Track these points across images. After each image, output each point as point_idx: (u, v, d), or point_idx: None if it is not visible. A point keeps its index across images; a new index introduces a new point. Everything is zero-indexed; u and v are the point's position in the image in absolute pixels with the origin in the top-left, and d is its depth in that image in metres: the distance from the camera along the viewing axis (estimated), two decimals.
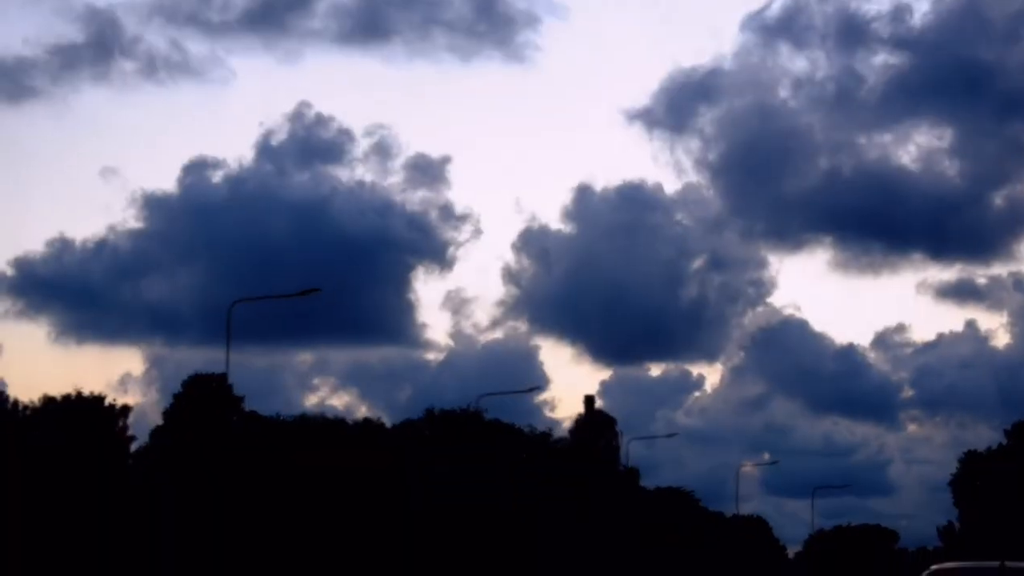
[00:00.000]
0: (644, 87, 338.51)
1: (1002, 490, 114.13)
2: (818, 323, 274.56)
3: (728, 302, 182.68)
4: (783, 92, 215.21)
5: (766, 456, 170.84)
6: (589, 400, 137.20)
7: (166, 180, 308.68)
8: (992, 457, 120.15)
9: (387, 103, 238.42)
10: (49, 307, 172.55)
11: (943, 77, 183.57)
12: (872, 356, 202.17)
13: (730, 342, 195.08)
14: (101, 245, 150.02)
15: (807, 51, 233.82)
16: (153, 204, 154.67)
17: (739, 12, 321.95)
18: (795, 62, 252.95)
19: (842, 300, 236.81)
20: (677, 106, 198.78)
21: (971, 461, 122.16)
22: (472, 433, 77.43)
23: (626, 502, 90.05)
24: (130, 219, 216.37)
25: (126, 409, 70.86)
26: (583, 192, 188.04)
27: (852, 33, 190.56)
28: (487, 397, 78.97)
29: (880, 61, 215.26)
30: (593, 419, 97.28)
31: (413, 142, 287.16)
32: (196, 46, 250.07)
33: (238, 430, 67.34)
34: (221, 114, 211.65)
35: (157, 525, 58.21)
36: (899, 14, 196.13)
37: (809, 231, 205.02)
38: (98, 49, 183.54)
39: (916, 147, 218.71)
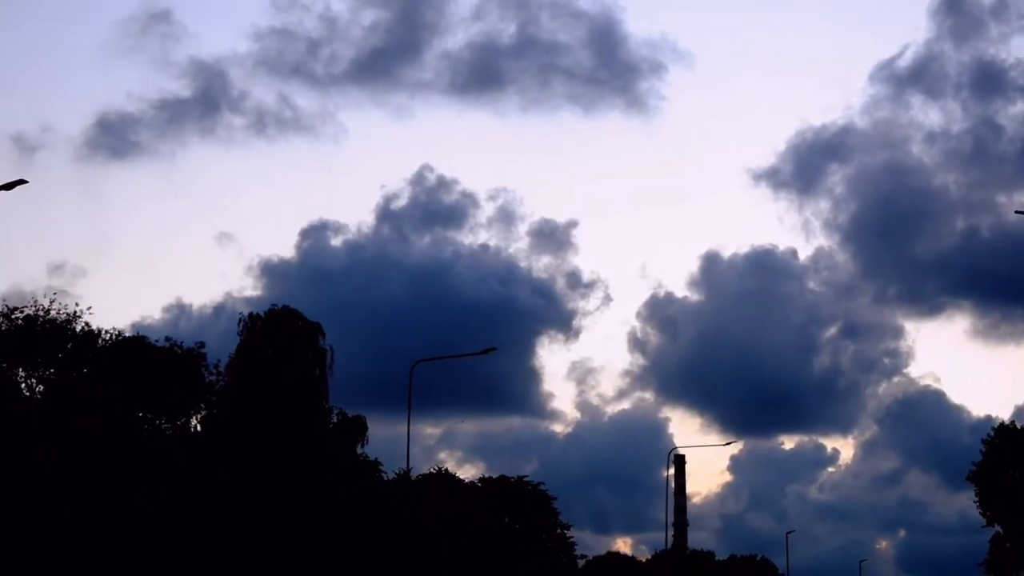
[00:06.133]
0: (771, 146, 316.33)
1: None
2: (956, 395, 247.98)
3: (862, 372, 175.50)
4: (916, 148, 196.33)
5: (902, 533, 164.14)
6: (679, 459, 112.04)
7: (284, 245, 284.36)
8: None
9: (507, 162, 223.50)
10: None
11: None
12: None
13: (864, 414, 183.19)
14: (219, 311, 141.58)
15: (941, 102, 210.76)
16: (271, 270, 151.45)
17: (869, 63, 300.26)
18: (928, 115, 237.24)
19: (982, 370, 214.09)
20: (805, 165, 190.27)
21: (1003, 436, 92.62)
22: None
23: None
24: (247, 287, 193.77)
25: None
26: (711, 259, 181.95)
27: (989, 82, 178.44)
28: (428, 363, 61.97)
29: (1019, 111, 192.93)
30: (279, 318, 62.33)
31: (538, 208, 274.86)
32: (304, 101, 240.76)
33: None
34: (337, 174, 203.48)
35: None
36: None
37: (947, 295, 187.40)
38: (205, 104, 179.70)
39: None
